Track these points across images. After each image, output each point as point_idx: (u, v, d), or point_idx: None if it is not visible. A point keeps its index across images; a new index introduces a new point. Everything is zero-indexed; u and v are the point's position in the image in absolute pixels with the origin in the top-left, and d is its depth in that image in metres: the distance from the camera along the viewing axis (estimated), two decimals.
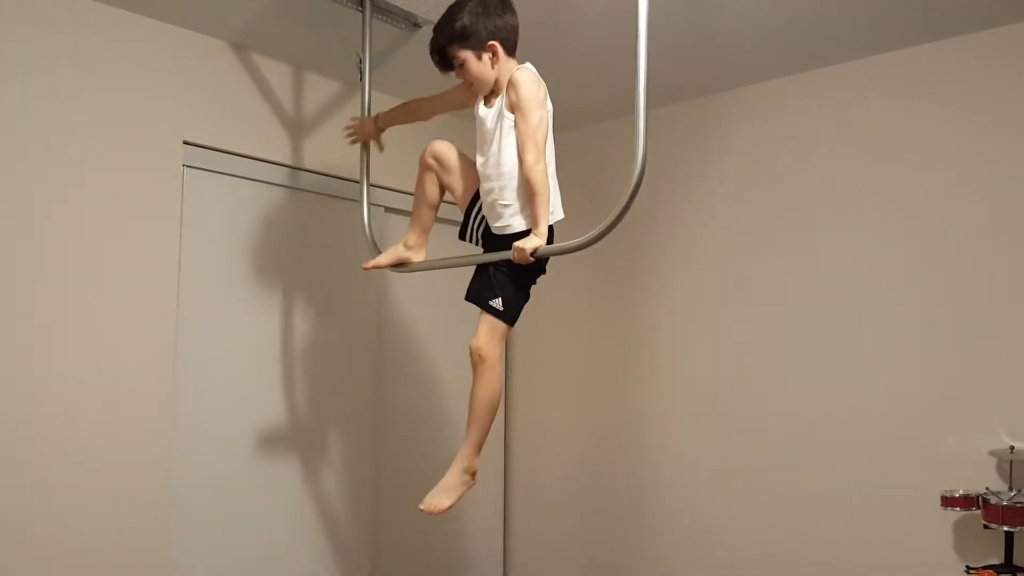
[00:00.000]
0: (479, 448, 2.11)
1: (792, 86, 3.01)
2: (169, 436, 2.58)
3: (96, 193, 2.45)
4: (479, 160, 2.13)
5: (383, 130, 2.52)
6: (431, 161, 2.27)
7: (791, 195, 2.99)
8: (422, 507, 2.06)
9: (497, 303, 2.07)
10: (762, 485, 2.99)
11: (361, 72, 2.53)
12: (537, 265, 2.09)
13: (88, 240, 2.43)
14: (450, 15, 2.05)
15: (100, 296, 2.45)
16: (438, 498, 2.07)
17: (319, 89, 3.05)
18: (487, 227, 2.18)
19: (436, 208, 2.32)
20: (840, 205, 2.86)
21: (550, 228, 2.05)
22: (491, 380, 2.09)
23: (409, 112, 2.48)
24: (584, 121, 3.59)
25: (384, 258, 2.32)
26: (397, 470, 3.31)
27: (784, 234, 3.00)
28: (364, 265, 2.35)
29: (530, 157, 1.97)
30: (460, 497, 2.11)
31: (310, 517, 2.98)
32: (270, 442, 2.88)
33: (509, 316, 2.10)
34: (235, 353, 2.81)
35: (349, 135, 2.55)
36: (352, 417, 3.13)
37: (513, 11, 2.10)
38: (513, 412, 3.81)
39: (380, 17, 2.51)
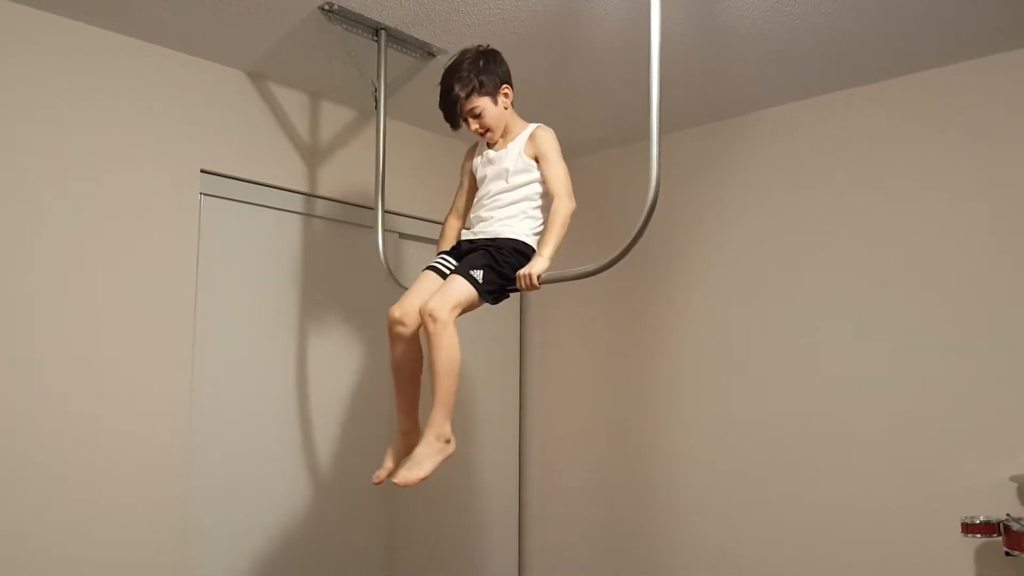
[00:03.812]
0: (448, 413, 2.07)
1: (804, 111, 3.02)
2: (186, 461, 2.59)
3: (115, 222, 2.48)
4: (488, 189, 2.26)
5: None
6: (404, 322, 2.14)
7: (805, 218, 2.99)
8: (396, 481, 2.00)
9: (477, 275, 2.12)
10: (778, 510, 2.96)
11: (376, 100, 2.56)
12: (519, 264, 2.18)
13: (106, 267, 2.46)
14: (458, 70, 2.19)
15: (118, 323, 2.47)
16: (412, 472, 2.00)
17: (335, 117, 3.09)
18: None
19: (420, 374, 2.23)
20: (855, 229, 2.86)
21: (531, 248, 2.21)
22: (447, 342, 2.05)
23: (457, 230, 2.42)
24: (598, 147, 3.61)
25: (390, 461, 2.21)
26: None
27: (798, 257, 3.00)
28: (375, 480, 2.18)
29: (563, 195, 2.15)
30: (437, 465, 2.05)
31: (325, 526, 2.98)
32: (286, 465, 2.89)
33: (483, 286, 2.12)
34: (252, 380, 2.82)
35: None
36: (367, 433, 3.13)
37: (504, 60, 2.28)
38: (528, 429, 3.80)
39: (395, 47, 2.55)
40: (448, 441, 2.08)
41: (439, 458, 2.06)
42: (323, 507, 2.98)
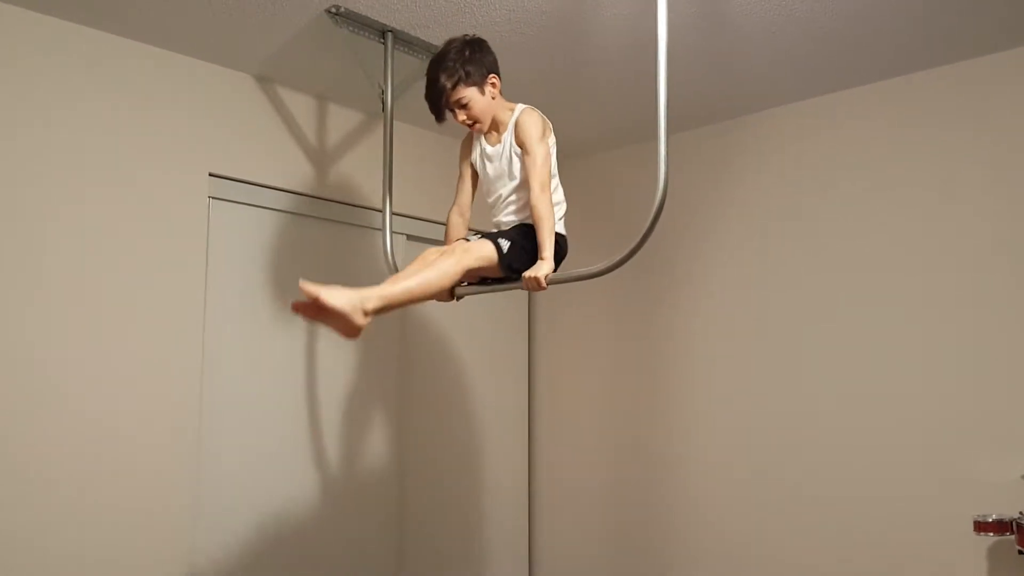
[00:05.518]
0: (386, 302, 1.93)
1: (812, 109, 3.01)
2: (195, 462, 2.61)
3: (124, 226, 2.50)
4: (497, 190, 2.27)
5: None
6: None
7: (812, 217, 2.98)
8: (303, 283, 1.81)
9: (504, 244, 2.15)
10: (790, 510, 2.95)
11: (383, 102, 2.56)
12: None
13: (116, 271, 2.47)
14: (444, 60, 2.14)
15: (128, 326, 2.48)
16: (322, 289, 1.82)
17: (342, 120, 3.10)
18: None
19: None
20: (862, 228, 2.85)
21: (562, 236, 2.21)
22: (449, 271, 2.06)
23: (461, 225, 2.41)
24: (605, 147, 3.61)
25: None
26: (421, 482, 3.32)
27: (807, 256, 2.98)
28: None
29: (536, 189, 2.12)
30: (336, 311, 1.83)
31: (334, 527, 2.99)
32: (295, 466, 2.89)
33: (505, 257, 2.14)
34: (261, 382, 2.83)
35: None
36: (376, 434, 3.14)
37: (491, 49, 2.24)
38: (537, 430, 3.80)
39: (402, 48, 2.55)
40: (365, 316, 1.89)
41: (347, 309, 1.84)
42: (332, 508, 2.99)
